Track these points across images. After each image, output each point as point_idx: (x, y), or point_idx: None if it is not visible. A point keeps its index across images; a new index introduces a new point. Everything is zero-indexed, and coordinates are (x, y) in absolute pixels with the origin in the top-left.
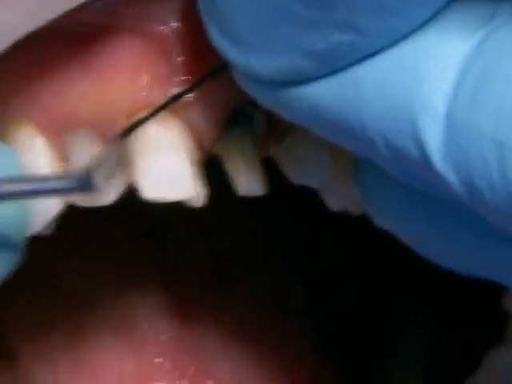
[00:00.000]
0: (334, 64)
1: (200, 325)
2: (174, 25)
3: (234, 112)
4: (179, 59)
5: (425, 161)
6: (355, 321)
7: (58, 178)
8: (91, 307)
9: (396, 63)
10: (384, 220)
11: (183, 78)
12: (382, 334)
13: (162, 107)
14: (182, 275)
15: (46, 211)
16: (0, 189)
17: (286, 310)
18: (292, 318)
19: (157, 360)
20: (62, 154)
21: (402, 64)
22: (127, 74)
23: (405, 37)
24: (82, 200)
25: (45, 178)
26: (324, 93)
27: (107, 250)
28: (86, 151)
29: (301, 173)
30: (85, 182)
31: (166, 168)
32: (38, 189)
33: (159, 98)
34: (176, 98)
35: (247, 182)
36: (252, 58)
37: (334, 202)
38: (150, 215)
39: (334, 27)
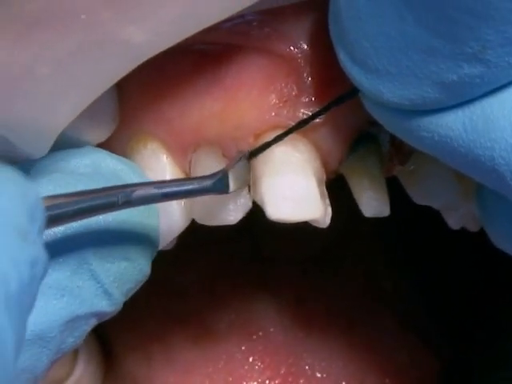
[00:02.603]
0: (463, 95)
1: (292, 323)
2: (304, 46)
3: (360, 133)
4: (308, 80)
5: None
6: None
7: (195, 180)
8: (186, 304)
9: None
10: (502, 241)
11: (312, 98)
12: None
13: (292, 130)
14: (275, 271)
15: (172, 229)
16: (141, 192)
17: (375, 301)
18: (381, 308)
19: (248, 359)
20: (187, 171)
21: None
22: (255, 94)
23: None
24: (210, 219)
25: (183, 181)
26: (454, 124)
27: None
28: (209, 169)
29: (425, 193)
30: (220, 184)
31: (293, 188)
32: (177, 190)
33: (287, 118)
34: (306, 121)
35: (373, 201)
36: (382, 85)
37: (455, 221)
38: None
39: (464, 60)
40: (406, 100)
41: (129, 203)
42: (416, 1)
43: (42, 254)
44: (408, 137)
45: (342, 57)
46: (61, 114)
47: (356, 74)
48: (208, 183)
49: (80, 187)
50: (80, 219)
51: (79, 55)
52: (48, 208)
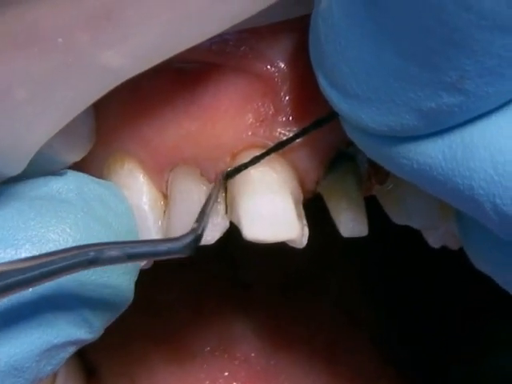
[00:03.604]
0: (441, 123)
1: (273, 349)
2: (281, 65)
3: (337, 153)
4: (285, 99)
5: None
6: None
7: (167, 242)
8: (169, 326)
9: (506, 129)
10: (482, 263)
11: (289, 118)
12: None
13: (269, 152)
14: (254, 295)
15: None
16: (111, 253)
17: (355, 331)
18: (362, 339)
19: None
20: (163, 191)
21: None
22: (232, 113)
23: None
24: None
25: (154, 242)
26: (433, 153)
27: (185, 273)
28: (186, 189)
29: (404, 213)
30: (191, 247)
31: (270, 209)
32: (146, 252)
33: (264, 138)
34: (283, 143)
35: (351, 222)
36: (361, 110)
37: (435, 240)
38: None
39: (443, 89)
40: (385, 126)
41: (95, 263)
42: (394, 30)
43: None
44: (387, 163)
45: (321, 80)
46: (37, 135)
47: (335, 99)
48: (177, 246)
49: (61, 214)
50: (42, 283)
51: (56, 78)
52: (11, 272)
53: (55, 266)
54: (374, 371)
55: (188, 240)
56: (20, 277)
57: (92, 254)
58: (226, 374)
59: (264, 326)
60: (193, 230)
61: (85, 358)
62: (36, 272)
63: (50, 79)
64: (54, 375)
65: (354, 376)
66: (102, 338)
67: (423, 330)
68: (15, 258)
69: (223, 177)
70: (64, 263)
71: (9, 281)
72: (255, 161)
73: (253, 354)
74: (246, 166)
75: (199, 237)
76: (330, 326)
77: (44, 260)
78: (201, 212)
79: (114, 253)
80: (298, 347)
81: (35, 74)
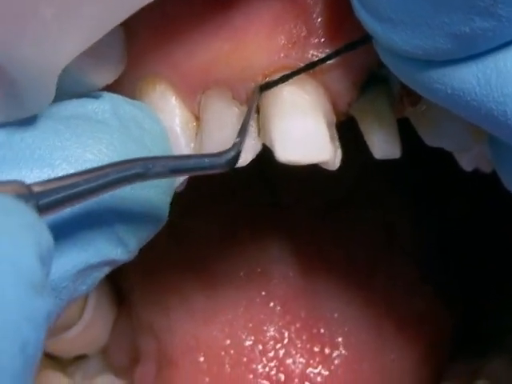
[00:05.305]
0: (475, 47)
1: (312, 269)
2: None
3: (370, 74)
4: (318, 21)
5: None
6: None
7: (210, 156)
8: (204, 253)
9: None
10: None
11: (321, 40)
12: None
13: (301, 70)
14: (294, 218)
15: None
16: (156, 169)
17: (395, 250)
18: (401, 257)
19: (269, 304)
20: (195, 113)
21: None
22: (263, 35)
23: None
24: None
25: (197, 157)
26: (467, 78)
27: (221, 199)
28: (218, 111)
29: (437, 135)
30: (233, 161)
31: (303, 130)
32: (189, 166)
33: (296, 60)
34: (314, 64)
35: (383, 143)
36: (395, 34)
37: (468, 162)
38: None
39: (476, 13)
40: (419, 49)
41: (142, 177)
42: None
43: (52, 304)
44: (421, 88)
45: (355, 3)
46: (64, 53)
47: (368, 22)
48: (220, 161)
49: (98, 135)
50: (90, 198)
51: None
52: (60, 189)
53: (104, 181)
54: (412, 291)
55: (230, 155)
56: (67, 192)
57: (139, 167)
58: (264, 293)
59: (302, 248)
60: (234, 145)
61: (116, 285)
62: (84, 187)
63: None
64: (85, 301)
65: (392, 295)
66: (134, 266)
67: (463, 251)
68: (52, 176)
69: (254, 92)
70: (111, 177)
71: (58, 196)
72: (285, 78)
73: (291, 274)
74: (276, 83)
75: (240, 152)
76: (368, 247)
77: (92, 175)
78: (241, 127)
79: (159, 167)
80: (337, 268)
81: None
